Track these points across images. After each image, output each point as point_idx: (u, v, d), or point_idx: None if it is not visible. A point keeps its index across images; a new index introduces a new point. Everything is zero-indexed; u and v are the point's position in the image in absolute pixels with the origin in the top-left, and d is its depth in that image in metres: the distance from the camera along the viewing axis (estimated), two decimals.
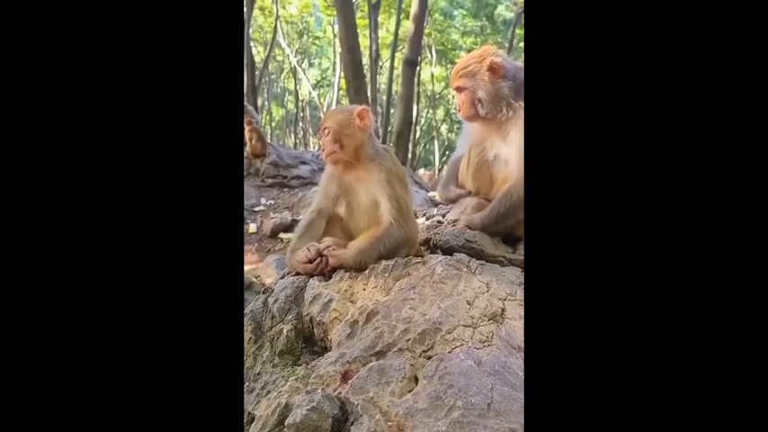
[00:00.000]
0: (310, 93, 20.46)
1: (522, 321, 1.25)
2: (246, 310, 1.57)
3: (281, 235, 5.31)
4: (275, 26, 15.49)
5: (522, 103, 1.72)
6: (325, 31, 19.55)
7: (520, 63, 1.88)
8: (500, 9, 16.90)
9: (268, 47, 16.17)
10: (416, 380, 1.07)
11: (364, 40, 12.24)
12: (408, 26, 9.83)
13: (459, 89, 1.84)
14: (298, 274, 1.64)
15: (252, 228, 5.59)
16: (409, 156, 12.52)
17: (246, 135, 6.74)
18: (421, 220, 2.25)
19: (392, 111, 11.42)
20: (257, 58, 15.63)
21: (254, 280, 4.26)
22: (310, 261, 1.59)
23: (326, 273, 1.59)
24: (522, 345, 1.17)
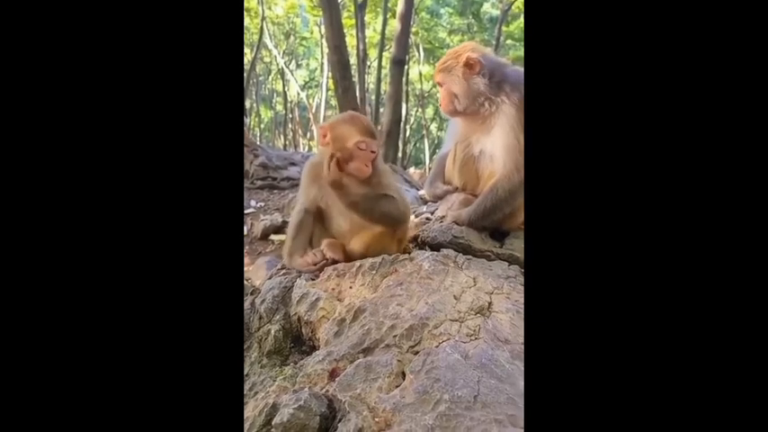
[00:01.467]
0: (299, 94, 20.36)
1: (509, 314, 1.26)
2: None
3: (272, 237, 5.28)
4: (261, 27, 15.40)
5: (505, 99, 1.73)
6: (311, 32, 19.48)
7: (502, 59, 1.89)
8: (486, 6, 16.97)
9: (254, 48, 16.07)
10: (404, 375, 1.07)
11: (351, 40, 12.23)
12: (395, 25, 9.83)
13: (439, 84, 1.87)
14: (287, 273, 1.64)
15: None
16: (399, 154, 12.53)
17: None
18: (410, 218, 2.25)
19: (381, 110, 11.41)
20: (244, 60, 15.53)
21: (245, 282, 4.24)
22: (316, 264, 1.62)
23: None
24: (509, 338, 1.18)
